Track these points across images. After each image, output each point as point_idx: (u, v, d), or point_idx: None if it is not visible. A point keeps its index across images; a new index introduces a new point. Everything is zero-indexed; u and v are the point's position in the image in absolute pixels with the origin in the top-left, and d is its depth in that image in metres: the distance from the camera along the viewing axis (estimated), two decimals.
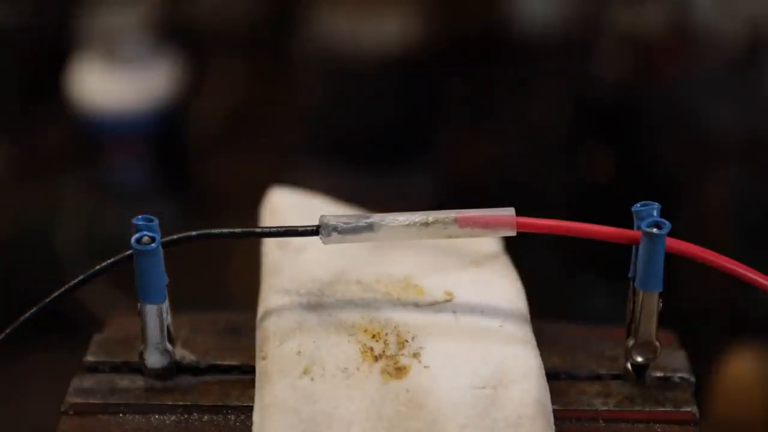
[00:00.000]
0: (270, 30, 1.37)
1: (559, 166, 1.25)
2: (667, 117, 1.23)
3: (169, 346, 0.48)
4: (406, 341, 0.47)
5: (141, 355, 0.48)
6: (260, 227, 0.53)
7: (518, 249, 0.54)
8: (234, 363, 0.49)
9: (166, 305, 0.47)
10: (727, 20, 1.22)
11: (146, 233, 0.45)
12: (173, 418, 0.47)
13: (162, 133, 1.22)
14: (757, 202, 1.15)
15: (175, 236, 0.46)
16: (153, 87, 1.20)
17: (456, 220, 0.46)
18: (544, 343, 0.48)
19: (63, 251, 1.17)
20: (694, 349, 0.51)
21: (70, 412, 0.47)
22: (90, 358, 0.50)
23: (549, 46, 1.31)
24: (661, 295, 0.46)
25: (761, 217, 1.13)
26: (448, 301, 0.49)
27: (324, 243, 0.47)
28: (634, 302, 0.47)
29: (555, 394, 0.46)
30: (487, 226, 0.46)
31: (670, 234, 0.45)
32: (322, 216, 0.47)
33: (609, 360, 0.49)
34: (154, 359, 0.48)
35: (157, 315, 0.47)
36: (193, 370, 0.49)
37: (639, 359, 0.48)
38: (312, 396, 0.44)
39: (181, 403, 0.47)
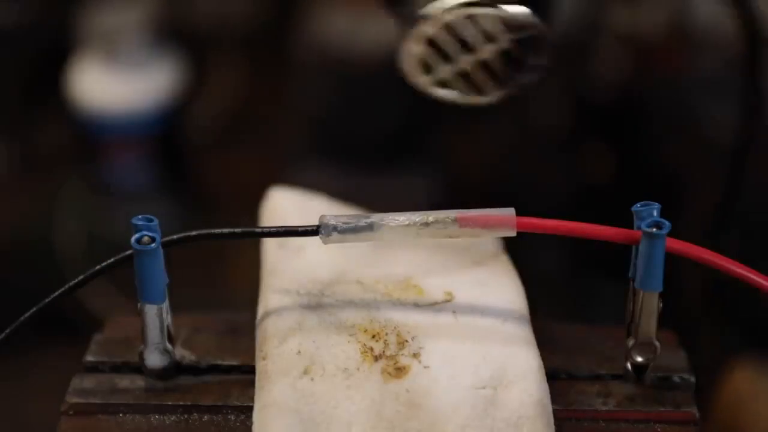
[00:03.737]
0: (270, 30, 1.37)
1: (559, 166, 1.25)
2: (667, 117, 1.22)
3: (169, 346, 0.48)
4: (406, 341, 0.47)
5: (141, 355, 0.48)
6: (260, 227, 0.53)
7: (518, 249, 0.54)
8: (234, 363, 0.49)
9: (166, 305, 0.47)
10: (727, 20, 1.21)
11: (146, 233, 0.45)
12: (173, 418, 0.47)
13: (162, 133, 1.22)
14: (757, 202, 1.14)
15: (175, 236, 0.46)
16: (153, 87, 1.20)
17: (456, 220, 0.46)
18: (544, 343, 0.48)
19: (63, 251, 1.17)
20: (694, 350, 0.51)
21: (70, 412, 0.47)
22: (90, 358, 0.50)
23: (549, 46, 1.30)
24: (661, 295, 0.46)
25: (761, 217, 1.13)
26: (448, 301, 0.49)
27: (324, 243, 0.47)
28: (634, 302, 0.47)
29: (555, 394, 0.46)
30: (487, 226, 0.46)
31: (670, 234, 0.45)
32: (322, 216, 0.47)
33: (609, 360, 0.49)
34: (154, 359, 0.48)
35: (157, 315, 0.47)
36: (193, 370, 0.49)
37: (639, 359, 0.48)
38: (312, 396, 0.44)
39: (181, 403, 0.47)
